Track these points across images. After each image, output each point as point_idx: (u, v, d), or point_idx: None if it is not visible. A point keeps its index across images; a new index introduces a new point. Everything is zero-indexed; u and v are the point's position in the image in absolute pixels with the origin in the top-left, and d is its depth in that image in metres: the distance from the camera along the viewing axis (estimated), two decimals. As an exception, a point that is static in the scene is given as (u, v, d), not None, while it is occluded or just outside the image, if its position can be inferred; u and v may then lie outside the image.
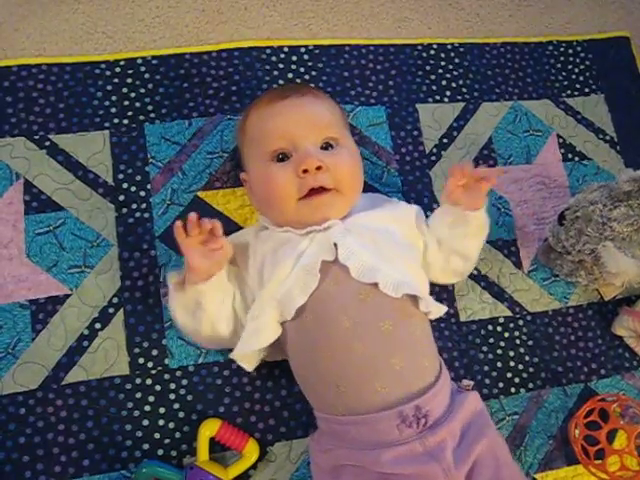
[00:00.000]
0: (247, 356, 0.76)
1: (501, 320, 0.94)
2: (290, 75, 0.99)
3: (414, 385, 0.69)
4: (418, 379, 0.69)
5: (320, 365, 0.70)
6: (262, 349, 0.76)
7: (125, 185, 0.89)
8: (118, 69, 0.95)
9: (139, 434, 0.81)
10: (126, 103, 0.93)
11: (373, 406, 0.67)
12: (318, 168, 0.74)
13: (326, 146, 0.78)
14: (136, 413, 0.81)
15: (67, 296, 0.84)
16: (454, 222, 0.81)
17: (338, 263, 0.72)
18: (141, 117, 0.93)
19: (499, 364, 0.92)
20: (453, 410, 0.70)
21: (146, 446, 0.81)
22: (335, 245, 0.73)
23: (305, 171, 0.74)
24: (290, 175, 0.75)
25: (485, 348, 0.92)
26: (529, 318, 0.95)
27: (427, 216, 0.88)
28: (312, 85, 0.98)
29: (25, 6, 0.96)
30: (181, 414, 0.82)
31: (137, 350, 0.83)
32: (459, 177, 0.79)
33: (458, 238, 0.82)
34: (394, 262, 0.74)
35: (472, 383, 0.77)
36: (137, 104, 0.93)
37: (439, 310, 0.79)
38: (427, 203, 0.97)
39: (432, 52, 1.06)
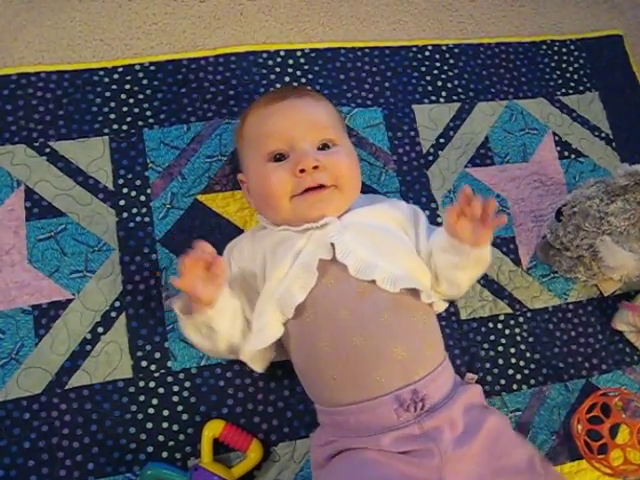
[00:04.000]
0: (256, 358, 0.76)
1: (501, 317, 0.95)
2: (287, 79, 1.00)
3: (415, 374, 0.69)
4: (419, 367, 0.70)
5: (321, 359, 0.71)
6: (271, 350, 0.76)
7: (125, 190, 0.90)
8: (116, 75, 0.96)
9: (143, 437, 0.81)
10: (125, 109, 0.94)
11: (372, 395, 0.68)
12: (315, 167, 0.75)
13: (323, 147, 0.78)
14: (140, 416, 0.82)
15: (69, 301, 0.84)
16: (449, 250, 0.75)
17: (336, 261, 0.73)
18: (140, 122, 0.93)
19: (500, 361, 0.92)
20: (452, 398, 0.70)
21: (150, 448, 0.81)
22: (332, 244, 0.73)
23: (302, 171, 0.74)
24: (286, 174, 0.75)
25: (486, 345, 0.93)
26: (529, 315, 0.96)
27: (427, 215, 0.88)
28: (309, 87, 0.99)
29: (23, 15, 0.97)
30: (185, 416, 0.82)
31: (140, 353, 0.84)
32: (463, 201, 0.71)
33: (450, 267, 0.77)
34: (392, 257, 0.75)
35: (476, 377, 0.77)
36: (136, 110, 0.94)
37: (442, 303, 0.79)
38: (425, 202, 0.97)
39: (427, 53, 1.07)
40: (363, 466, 0.66)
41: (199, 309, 0.71)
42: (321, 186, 0.76)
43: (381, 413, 0.68)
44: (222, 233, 0.89)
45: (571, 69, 1.13)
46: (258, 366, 0.77)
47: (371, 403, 0.68)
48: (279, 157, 0.77)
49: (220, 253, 0.82)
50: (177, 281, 0.68)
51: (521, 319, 0.95)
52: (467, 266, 0.77)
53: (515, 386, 0.92)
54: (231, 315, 0.75)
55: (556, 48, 1.14)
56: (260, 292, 0.76)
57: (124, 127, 0.93)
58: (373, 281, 0.71)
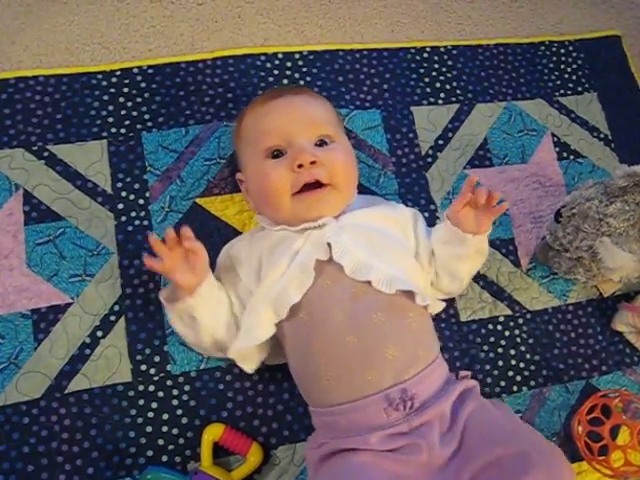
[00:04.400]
0: (247, 357, 0.76)
1: (501, 319, 0.94)
2: (285, 81, 1.00)
3: (405, 373, 0.69)
4: (410, 367, 0.70)
5: (315, 359, 0.71)
6: (262, 350, 0.76)
7: (124, 193, 0.90)
8: (114, 79, 0.96)
9: (143, 441, 0.81)
10: (123, 112, 0.94)
11: (363, 394, 0.69)
12: (312, 163, 0.75)
13: (320, 143, 0.79)
14: (139, 420, 0.81)
15: (68, 305, 0.84)
16: (450, 241, 0.79)
17: (332, 261, 0.73)
18: (138, 126, 0.93)
19: (500, 363, 0.92)
20: (444, 395, 0.70)
21: (150, 452, 0.81)
22: (329, 244, 0.74)
23: (300, 166, 0.75)
24: (285, 170, 0.75)
25: (486, 347, 0.93)
26: (529, 316, 0.96)
27: (424, 217, 0.89)
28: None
29: (22, 19, 0.97)
30: (184, 420, 0.82)
31: (139, 357, 0.84)
32: (468, 191, 0.75)
33: (452, 259, 0.80)
34: (388, 258, 0.75)
35: (469, 373, 0.77)
36: (134, 113, 0.94)
37: (438, 305, 0.79)
38: (424, 205, 0.97)
39: (425, 55, 1.07)
40: (352, 471, 0.66)
41: (180, 296, 0.73)
42: (318, 183, 0.76)
43: (371, 412, 0.68)
44: (221, 236, 0.89)
45: (569, 70, 1.13)
46: (247, 366, 0.77)
47: (361, 402, 0.68)
48: (277, 154, 0.78)
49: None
50: (150, 261, 0.72)
51: (521, 320, 0.95)
52: (468, 256, 0.79)
53: (515, 388, 0.92)
54: (214, 306, 0.76)
55: (554, 49, 1.14)
56: (254, 292, 0.76)
57: (122, 130, 0.93)
58: (369, 282, 0.71)
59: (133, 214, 0.89)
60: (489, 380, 0.91)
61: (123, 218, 0.89)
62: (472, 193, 0.75)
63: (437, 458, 0.66)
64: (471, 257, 0.80)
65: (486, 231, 0.78)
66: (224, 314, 0.77)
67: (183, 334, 0.78)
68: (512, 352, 0.93)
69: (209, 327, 0.76)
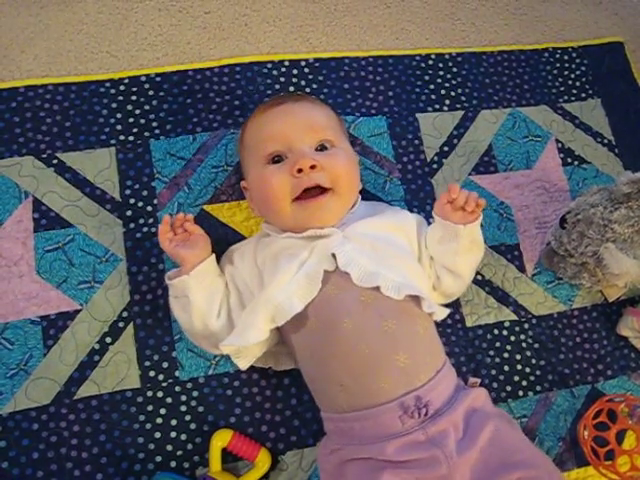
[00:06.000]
0: (241, 354, 0.76)
1: (507, 324, 0.95)
2: (291, 88, 1.01)
3: (417, 380, 0.70)
4: (420, 374, 0.70)
5: (326, 366, 0.72)
6: (258, 349, 0.76)
7: (132, 200, 0.91)
8: (122, 87, 0.96)
9: (151, 446, 0.81)
10: (131, 120, 0.95)
11: (376, 402, 0.69)
12: (312, 167, 0.75)
13: (321, 148, 0.80)
14: (148, 426, 0.82)
15: (77, 311, 0.85)
16: (445, 237, 0.79)
17: (339, 271, 0.73)
18: (146, 133, 0.94)
19: (506, 368, 0.93)
20: (455, 402, 0.71)
21: (159, 458, 0.81)
22: (333, 255, 0.74)
23: (299, 170, 0.75)
24: (285, 175, 0.76)
25: (492, 352, 0.93)
26: (534, 321, 0.96)
27: (429, 224, 0.89)
28: (313, 96, 1.00)
29: (31, 28, 0.98)
30: (193, 425, 0.83)
31: (147, 363, 0.84)
32: (447, 198, 0.78)
33: (448, 254, 0.80)
34: (394, 266, 0.76)
35: (479, 381, 0.78)
36: (142, 121, 0.95)
37: (442, 311, 0.80)
38: (430, 211, 0.97)
39: (430, 62, 1.08)
40: None
41: (180, 272, 0.77)
42: (318, 187, 0.76)
43: (385, 420, 0.69)
44: (228, 243, 0.89)
45: (573, 76, 1.14)
46: (241, 363, 0.76)
47: (375, 410, 0.69)
48: (277, 159, 0.79)
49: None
50: (163, 236, 0.78)
51: (526, 326, 0.96)
52: (464, 249, 0.79)
53: (521, 392, 0.92)
54: (208, 289, 0.78)
55: (558, 55, 1.14)
56: (254, 293, 0.77)
57: (130, 138, 0.94)
58: (376, 288, 0.72)
59: (141, 221, 0.90)
60: (495, 385, 0.91)
61: (131, 225, 0.90)
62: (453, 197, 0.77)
63: (455, 469, 0.66)
64: (467, 249, 0.80)
65: (473, 220, 0.78)
66: (218, 300, 0.78)
67: (177, 315, 0.80)
68: (518, 357, 0.94)
69: (201, 310, 0.76)
